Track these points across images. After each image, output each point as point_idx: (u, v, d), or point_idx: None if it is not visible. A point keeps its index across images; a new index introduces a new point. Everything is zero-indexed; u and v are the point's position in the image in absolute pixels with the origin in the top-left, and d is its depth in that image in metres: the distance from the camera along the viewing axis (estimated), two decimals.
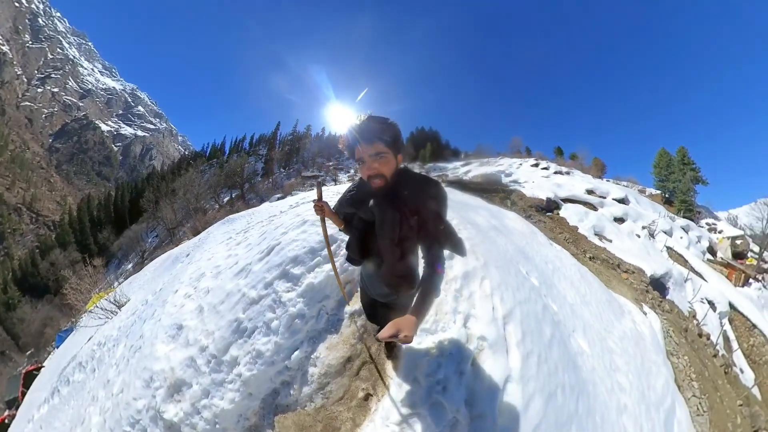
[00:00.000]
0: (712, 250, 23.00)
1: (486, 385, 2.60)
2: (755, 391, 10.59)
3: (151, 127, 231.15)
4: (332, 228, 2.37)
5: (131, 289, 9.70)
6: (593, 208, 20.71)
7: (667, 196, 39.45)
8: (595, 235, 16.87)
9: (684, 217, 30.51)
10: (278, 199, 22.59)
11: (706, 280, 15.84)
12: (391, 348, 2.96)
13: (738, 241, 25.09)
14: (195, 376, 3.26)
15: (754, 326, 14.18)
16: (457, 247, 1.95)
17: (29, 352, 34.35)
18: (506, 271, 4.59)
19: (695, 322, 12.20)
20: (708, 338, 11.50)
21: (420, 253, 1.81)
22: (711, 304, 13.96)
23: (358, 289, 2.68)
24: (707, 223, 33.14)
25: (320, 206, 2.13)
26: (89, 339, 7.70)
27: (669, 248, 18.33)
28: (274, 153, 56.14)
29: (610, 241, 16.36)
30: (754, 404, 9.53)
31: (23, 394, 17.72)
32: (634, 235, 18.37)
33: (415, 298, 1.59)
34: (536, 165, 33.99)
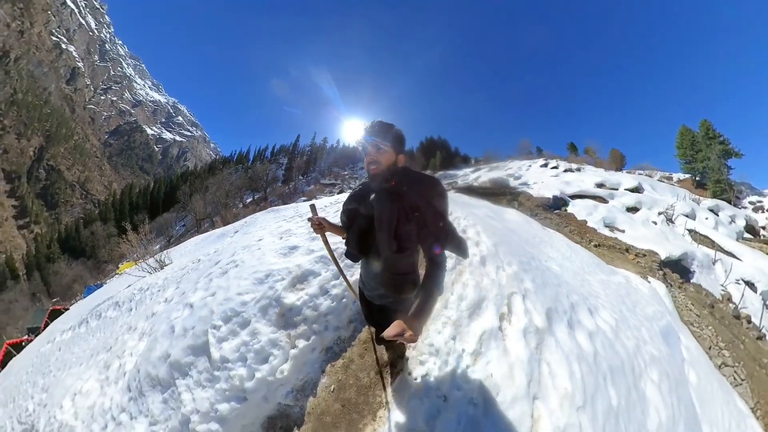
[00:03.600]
0: (752, 230, 17.99)
1: None
2: None
3: (188, 134, 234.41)
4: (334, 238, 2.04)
5: (173, 256, 8.90)
6: (604, 201, 16.83)
7: (698, 179, 29.15)
8: (606, 226, 13.78)
9: (719, 198, 22.95)
10: (304, 200, 21.70)
11: (740, 260, 12.29)
12: (394, 348, 2.45)
13: None
14: (324, 267, 3.05)
15: None
16: (459, 248, 1.60)
17: (55, 299, 33.94)
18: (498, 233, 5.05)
19: (731, 305, 9.39)
20: (749, 321, 8.72)
21: (422, 256, 1.55)
22: (750, 284, 10.76)
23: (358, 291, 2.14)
24: (751, 202, 25.34)
25: (318, 223, 1.84)
26: (128, 286, 6.95)
27: (691, 231, 14.52)
28: (295, 162, 53.83)
29: (623, 231, 13.25)
30: None
31: (46, 325, 17.11)
32: (649, 222, 14.75)
33: (418, 297, 1.35)
34: (545, 165, 27.78)
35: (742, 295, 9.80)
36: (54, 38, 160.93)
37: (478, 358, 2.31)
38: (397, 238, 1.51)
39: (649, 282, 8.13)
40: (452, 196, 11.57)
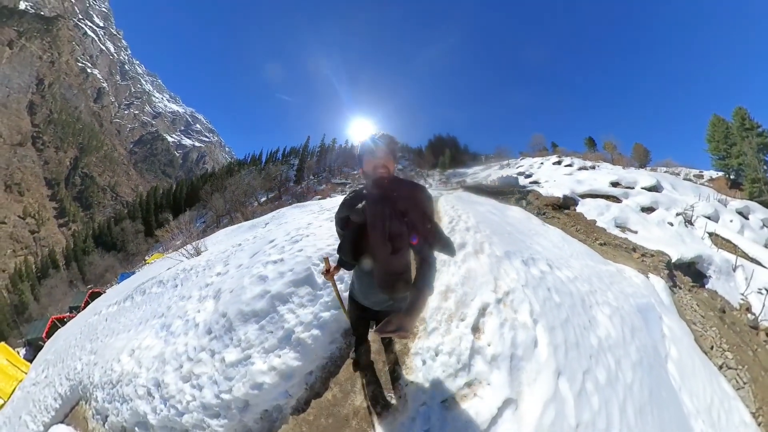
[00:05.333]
0: None
1: None
2: None
3: (206, 139, 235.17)
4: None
5: (207, 244, 9.14)
6: (617, 200, 14.69)
7: (732, 177, 23.41)
8: (617, 227, 11.90)
9: (757, 200, 18.56)
10: (318, 199, 21.70)
11: (766, 268, 10.52)
12: (387, 345, 2.42)
13: None
14: None
15: None
16: (446, 247, 1.58)
17: (90, 285, 35.74)
18: (494, 226, 5.51)
19: (750, 315, 7.93)
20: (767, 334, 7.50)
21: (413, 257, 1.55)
22: None
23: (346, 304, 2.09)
24: None
25: (330, 276, 1.91)
26: (168, 269, 7.25)
27: (712, 234, 12.47)
28: (306, 163, 53.01)
29: (636, 232, 11.58)
30: None
31: (86, 303, 17.80)
32: (665, 223, 12.75)
33: (409, 296, 1.33)
34: (558, 162, 24.35)
35: (763, 305, 8.17)
36: (80, 64, 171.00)
37: (463, 264, 3.45)
38: (391, 239, 1.49)
39: (647, 277, 7.19)
40: (458, 194, 11.32)
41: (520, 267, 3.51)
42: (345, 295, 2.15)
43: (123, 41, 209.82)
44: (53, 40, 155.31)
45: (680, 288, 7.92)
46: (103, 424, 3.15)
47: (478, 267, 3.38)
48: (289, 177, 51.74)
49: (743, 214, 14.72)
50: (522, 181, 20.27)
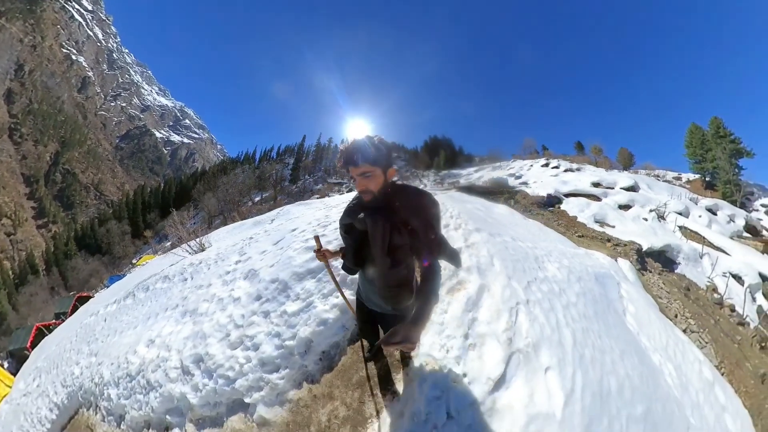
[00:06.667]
0: (753, 229, 18.19)
1: None
2: None
3: (195, 136, 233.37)
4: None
5: (209, 241, 9.30)
6: (597, 199, 17.04)
7: (707, 179, 27.54)
8: (596, 222, 13.96)
9: (729, 200, 21.89)
10: (317, 198, 22.05)
11: (729, 255, 12.72)
12: (387, 357, 2.48)
13: None
14: None
15: None
16: (453, 258, 1.64)
17: (73, 292, 34.51)
18: (475, 217, 6.22)
19: (716, 295, 9.87)
20: (732, 310, 9.33)
21: (417, 265, 1.54)
22: (737, 277, 11.18)
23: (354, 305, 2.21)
24: (763, 205, 23.66)
25: (322, 254, 1.90)
26: (171, 265, 7.35)
27: (682, 228, 14.76)
28: (303, 162, 54.03)
29: (613, 227, 13.54)
30: None
31: (74, 308, 17.84)
32: (640, 219, 15.02)
33: (415, 305, 1.33)
34: (546, 165, 27.45)
35: (727, 286, 10.19)
36: (64, 50, 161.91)
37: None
38: (391, 253, 1.49)
39: (616, 261, 8.31)
40: (451, 194, 12.06)
41: (486, 236, 4.67)
42: (348, 295, 2.56)
43: (112, 27, 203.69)
44: (37, 22, 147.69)
45: (650, 272, 9.49)
46: (119, 424, 3.16)
47: (455, 235, 4.49)
48: (284, 176, 52.29)
49: (712, 210, 17.83)
50: (512, 182, 22.85)
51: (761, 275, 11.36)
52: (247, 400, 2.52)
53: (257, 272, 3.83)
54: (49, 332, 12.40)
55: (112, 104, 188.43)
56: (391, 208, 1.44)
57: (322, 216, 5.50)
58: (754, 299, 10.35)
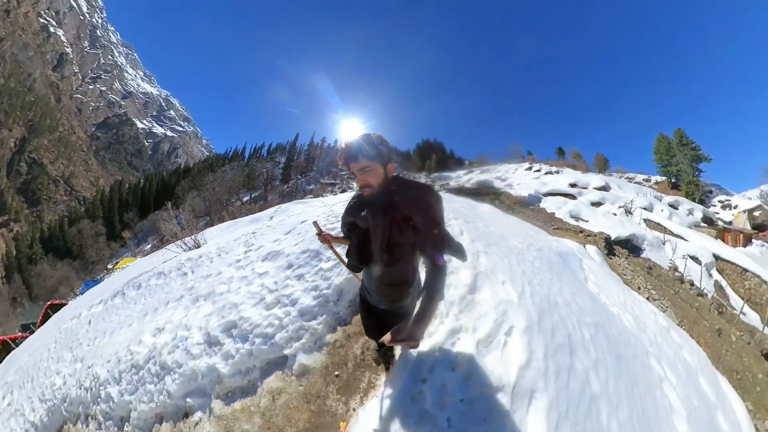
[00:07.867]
0: (710, 220, 22.44)
1: None
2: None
3: (180, 129, 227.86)
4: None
5: (204, 237, 9.53)
6: (573, 197, 20.06)
7: (673, 180, 34.08)
8: (572, 217, 16.59)
9: (690, 198, 27.53)
10: (312, 197, 22.41)
11: (687, 240, 15.62)
12: (390, 355, 2.56)
13: (756, 213, 23.36)
14: None
15: (745, 270, 13.86)
16: (458, 252, 1.70)
17: (41, 302, 32.63)
18: (457, 211, 6.69)
19: (677, 273, 12.16)
20: (691, 284, 11.51)
21: (421, 261, 1.63)
22: (695, 259, 13.78)
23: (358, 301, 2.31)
24: (720, 201, 29.84)
25: (324, 237, 2.04)
26: (164, 262, 7.48)
27: (647, 220, 18.08)
28: (295, 161, 54.64)
29: (587, 221, 16.11)
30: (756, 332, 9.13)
31: (45, 316, 17.09)
32: (610, 214, 18.02)
33: (420, 302, 1.39)
34: (530, 168, 31.86)
35: (686, 266, 12.95)
36: (42, 20, 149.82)
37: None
38: (390, 250, 1.54)
39: (584, 247, 9.70)
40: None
41: (462, 222, 5.33)
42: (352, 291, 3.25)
43: (99, 1, 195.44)
44: None
45: (618, 256, 11.53)
46: (120, 428, 3.08)
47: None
48: (275, 175, 52.40)
49: (674, 206, 22.58)
50: (497, 184, 26.86)
51: (715, 255, 14.45)
52: (286, 351, 2.93)
53: (279, 252, 4.39)
54: (17, 346, 11.73)
55: (91, 87, 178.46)
56: (392, 203, 1.51)
57: (328, 211, 5.98)
58: (710, 275, 13.20)
